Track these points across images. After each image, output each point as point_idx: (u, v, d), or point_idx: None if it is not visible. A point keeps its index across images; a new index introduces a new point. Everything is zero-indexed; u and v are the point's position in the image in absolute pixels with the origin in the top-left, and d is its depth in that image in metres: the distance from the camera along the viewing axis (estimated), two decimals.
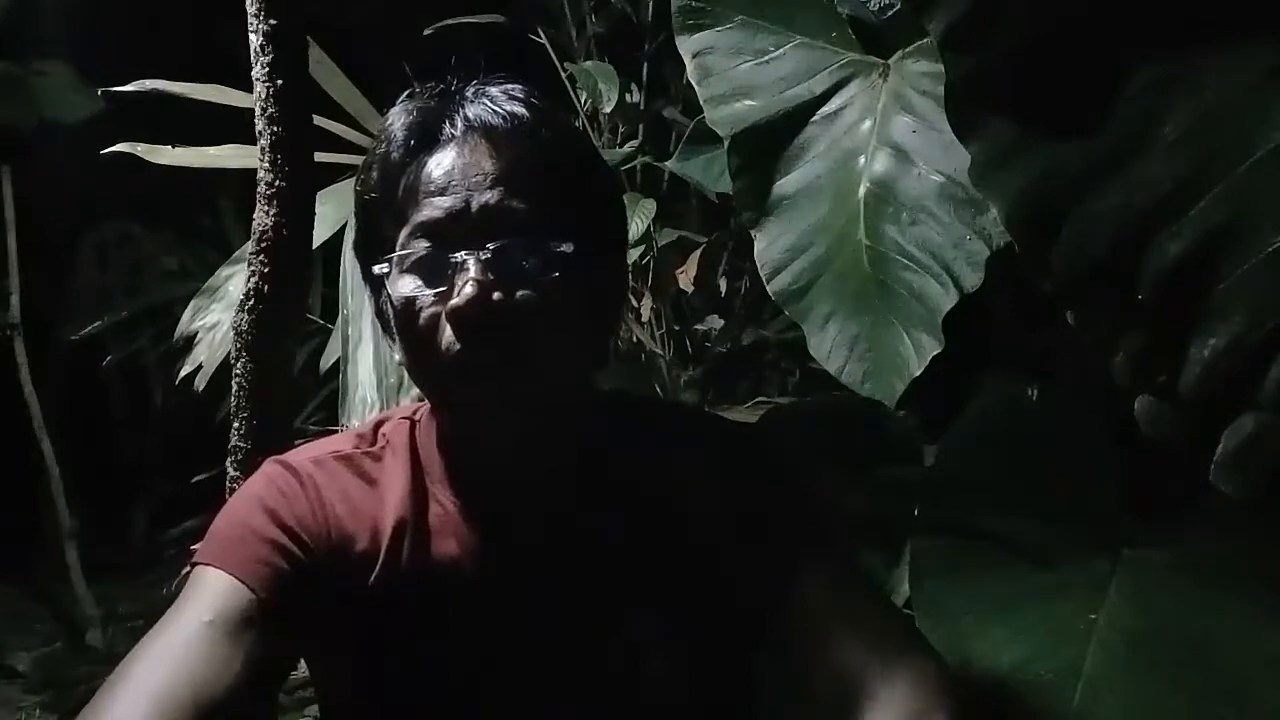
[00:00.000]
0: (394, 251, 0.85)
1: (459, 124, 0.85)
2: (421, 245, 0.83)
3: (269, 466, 0.93)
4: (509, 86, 0.88)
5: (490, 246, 0.81)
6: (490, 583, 0.88)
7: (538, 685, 0.88)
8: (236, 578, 0.84)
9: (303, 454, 0.93)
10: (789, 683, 0.87)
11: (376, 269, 0.86)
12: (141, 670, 0.79)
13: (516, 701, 0.88)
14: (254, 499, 0.89)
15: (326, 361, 2.04)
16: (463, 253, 0.81)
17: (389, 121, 0.88)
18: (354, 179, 0.93)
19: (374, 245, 0.87)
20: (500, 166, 0.83)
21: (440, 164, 0.84)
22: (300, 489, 0.89)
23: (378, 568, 0.88)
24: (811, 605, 0.86)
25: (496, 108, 0.85)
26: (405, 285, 0.84)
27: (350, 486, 0.90)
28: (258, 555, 0.85)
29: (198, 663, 0.79)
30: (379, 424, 0.96)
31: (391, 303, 0.85)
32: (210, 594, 0.83)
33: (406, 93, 0.90)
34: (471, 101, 0.86)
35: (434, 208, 0.83)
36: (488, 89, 0.87)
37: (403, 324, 0.85)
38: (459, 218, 0.82)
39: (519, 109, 0.86)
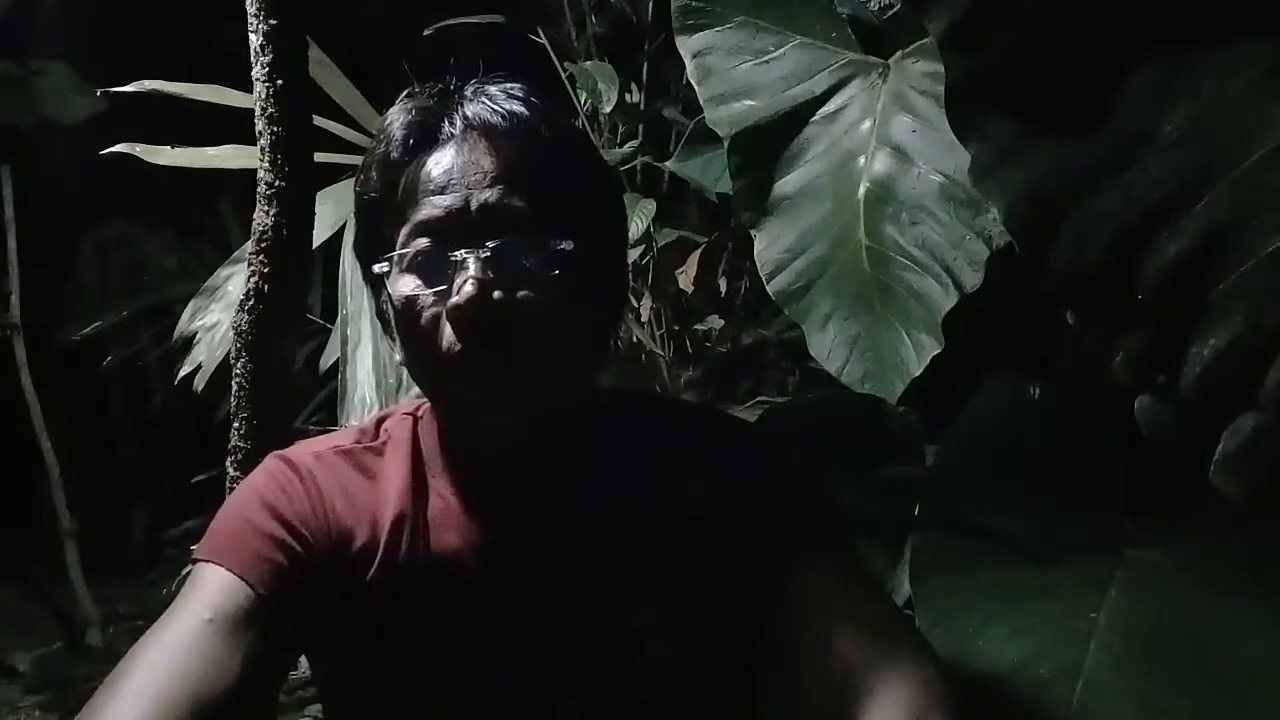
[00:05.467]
0: (394, 251, 0.84)
1: (458, 123, 0.85)
2: (421, 244, 0.83)
3: (269, 462, 0.92)
4: (509, 85, 0.88)
5: (490, 245, 0.81)
6: (489, 577, 0.88)
7: (537, 680, 0.88)
8: (236, 574, 0.83)
9: (303, 449, 0.93)
10: (788, 680, 0.87)
11: (376, 268, 0.86)
12: (141, 669, 0.79)
13: (516, 696, 0.88)
14: (254, 494, 0.89)
15: (326, 361, 2.04)
16: (462, 251, 0.81)
17: (388, 121, 0.88)
18: (354, 179, 0.93)
19: (374, 245, 0.87)
20: (500, 165, 0.83)
21: (439, 163, 0.84)
22: (300, 484, 0.89)
23: (377, 562, 0.88)
24: (811, 603, 0.86)
25: (496, 106, 0.85)
26: (405, 284, 0.84)
27: (350, 481, 0.90)
28: (257, 551, 0.85)
29: (197, 661, 0.79)
30: (381, 419, 0.96)
31: (391, 302, 0.85)
32: (210, 591, 0.83)
33: (405, 92, 0.90)
34: (471, 100, 0.86)
35: (433, 206, 0.83)
36: (487, 88, 0.87)
37: (403, 323, 0.85)
38: (458, 216, 0.82)
39: (519, 108, 0.85)
